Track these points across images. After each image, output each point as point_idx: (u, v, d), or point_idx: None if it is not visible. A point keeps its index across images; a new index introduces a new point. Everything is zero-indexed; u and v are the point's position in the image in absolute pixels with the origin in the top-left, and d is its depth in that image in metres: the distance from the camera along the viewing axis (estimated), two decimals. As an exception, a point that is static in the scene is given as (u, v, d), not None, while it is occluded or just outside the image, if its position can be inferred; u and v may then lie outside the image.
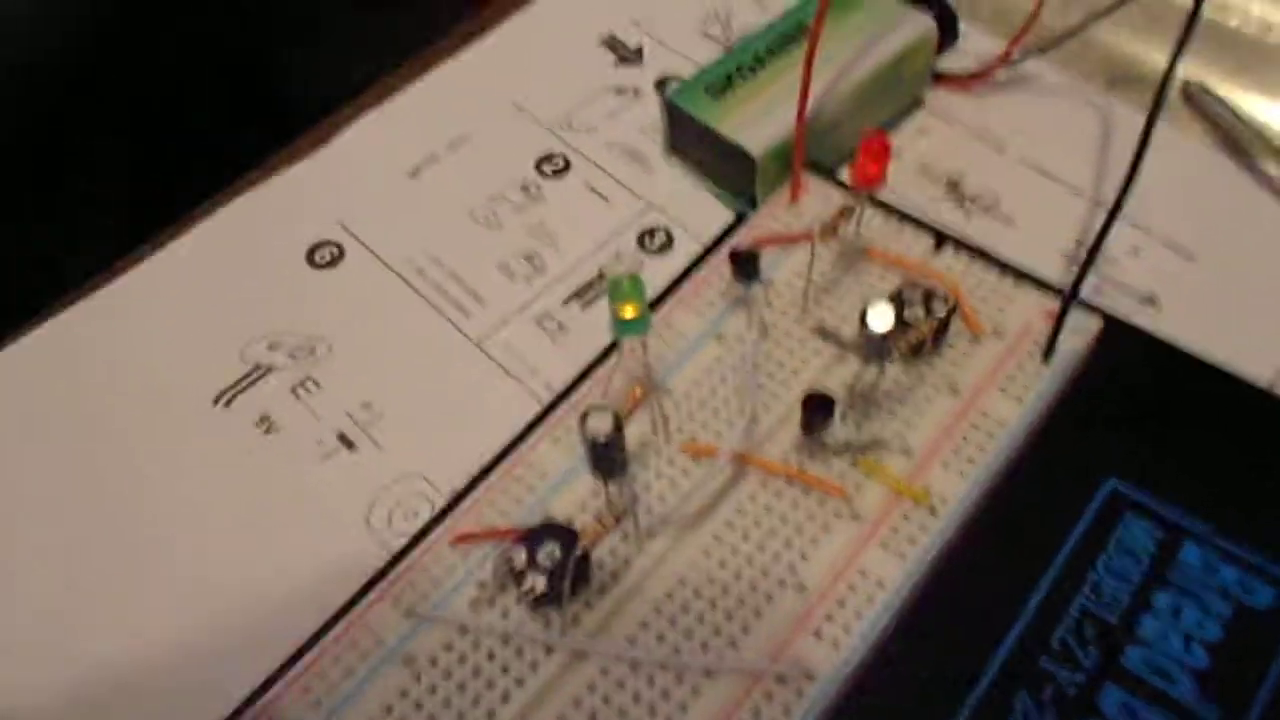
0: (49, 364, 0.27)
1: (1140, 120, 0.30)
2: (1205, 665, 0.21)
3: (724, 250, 0.26)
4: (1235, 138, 0.29)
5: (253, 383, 0.26)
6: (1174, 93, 0.31)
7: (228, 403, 0.26)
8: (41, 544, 0.24)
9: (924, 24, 0.29)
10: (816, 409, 0.21)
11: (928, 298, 0.24)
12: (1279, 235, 0.28)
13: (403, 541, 0.23)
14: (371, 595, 0.22)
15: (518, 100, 0.32)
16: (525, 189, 0.30)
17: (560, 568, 0.20)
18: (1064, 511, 0.22)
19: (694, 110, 0.28)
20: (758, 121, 0.27)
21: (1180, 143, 0.30)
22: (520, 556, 0.21)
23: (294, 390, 0.26)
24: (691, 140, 0.29)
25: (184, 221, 0.29)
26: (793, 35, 0.29)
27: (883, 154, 0.22)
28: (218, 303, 0.28)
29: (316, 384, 0.26)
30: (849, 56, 0.28)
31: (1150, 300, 0.27)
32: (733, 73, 0.28)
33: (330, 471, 0.25)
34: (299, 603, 0.23)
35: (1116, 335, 0.24)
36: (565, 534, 0.21)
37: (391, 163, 0.30)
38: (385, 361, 0.27)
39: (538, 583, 0.20)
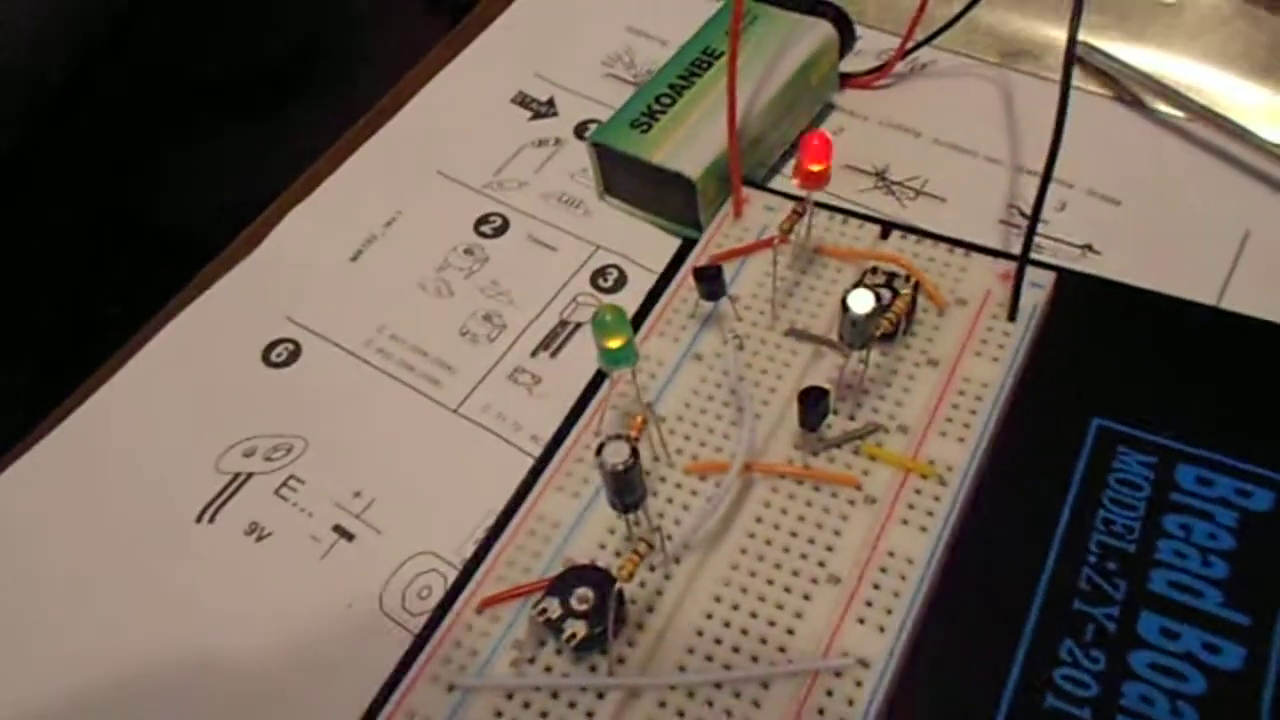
0: (23, 502, 0.26)
1: (1033, 85, 0.32)
2: (1226, 574, 0.21)
3: (683, 275, 0.27)
4: (1127, 87, 0.31)
5: (233, 493, 0.25)
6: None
7: (211, 518, 0.25)
8: (53, 677, 0.23)
9: (824, 30, 0.30)
10: (814, 402, 0.22)
11: (889, 280, 0.25)
12: (1186, 167, 0.29)
13: (422, 620, 0.23)
14: (408, 677, 0.21)
15: (443, 169, 0.32)
16: (469, 252, 0.30)
17: (599, 606, 0.20)
18: (1061, 457, 0.23)
19: (624, 147, 0.28)
20: (688, 146, 0.28)
21: (1081, 100, 0.31)
22: (554, 605, 0.20)
23: (277, 492, 0.25)
24: (626, 177, 0.29)
25: (130, 346, 0.29)
26: (699, 61, 0.30)
27: (824, 150, 0.23)
28: (181, 420, 0.27)
29: (300, 481, 0.26)
30: (760, 72, 0.29)
31: (1088, 248, 0.28)
32: (652, 105, 0.29)
33: (333, 566, 0.24)
34: (329, 704, 0.22)
35: (1070, 285, 0.25)
36: (594, 573, 0.21)
37: (330, 250, 0.30)
38: (366, 447, 0.26)
39: (578, 628, 0.20)
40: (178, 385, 0.28)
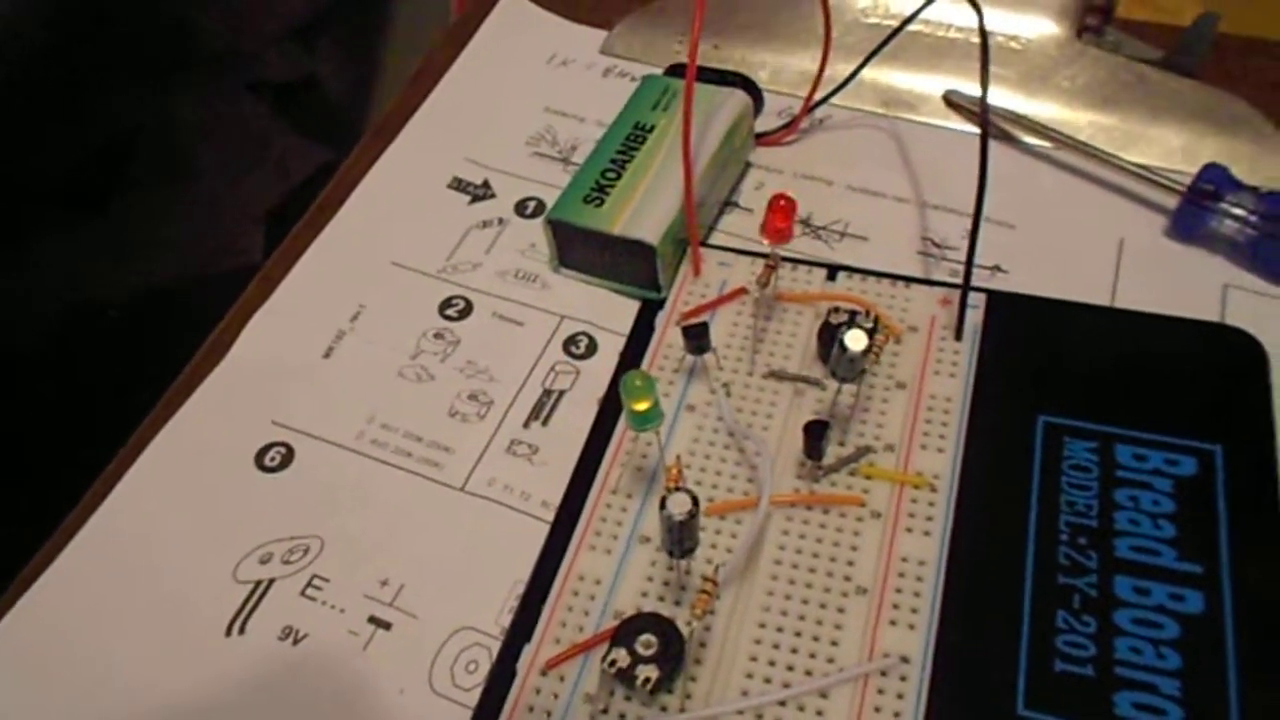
0: (37, 638, 0.25)
1: (916, 130, 0.36)
2: (1174, 534, 0.25)
3: (660, 333, 0.29)
4: (996, 125, 0.36)
5: (258, 601, 0.26)
6: (939, 103, 0.37)
7: (242, 629, 0.25)
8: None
9: (741, 99, 0.33)
10: (819, 433, 0.24)
11: (852, 318, 0.27)
12: (1060, 189, 0.34)
13: (476, 694, 0.24)
14: (490, 748, 0.22)
15: (396, 259, 0.33)
16: (440, 336, 0.31)
17: (664, 649, 0.22)
18: (1020, 453, 0.26)
19: (583, 221, 0.30)
20: (643, 215, 0.30)
21: (959, 140, 0.35)
22: (623, 655, 0.22)
23: (304, 594, 0.26)
24: (582, 249, 0.31)
25: (113, 470, 0.28)
26: (633, 136, 0.32)
27: (790, 210, 0.26)
28: (186, 537, 0.27)
29: (324, 580, 0.26)
30: (693, 141, 0.32)
31: (997, 268, 0.32)
32: (599, 180, 0.31)
33: (377, 656, 0.25)
34: (404, 790, 0.23)
35: (1000, 303, 0.29)
36: (651, 620, 0.23)
37: (301, 351, 0.31)
38: (383, 536, 0.27)
39: (650, 671, 0.22)
40: (173, 503, 0.27)
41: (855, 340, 0.23)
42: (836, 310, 0.28)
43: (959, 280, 0.30)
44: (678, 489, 0.21)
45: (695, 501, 0.21)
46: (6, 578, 0.26)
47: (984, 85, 0.28)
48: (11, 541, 0.28)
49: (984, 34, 0.29)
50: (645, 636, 0.22)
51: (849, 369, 0.24)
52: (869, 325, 0.27)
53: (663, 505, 0.21)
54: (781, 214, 0.26)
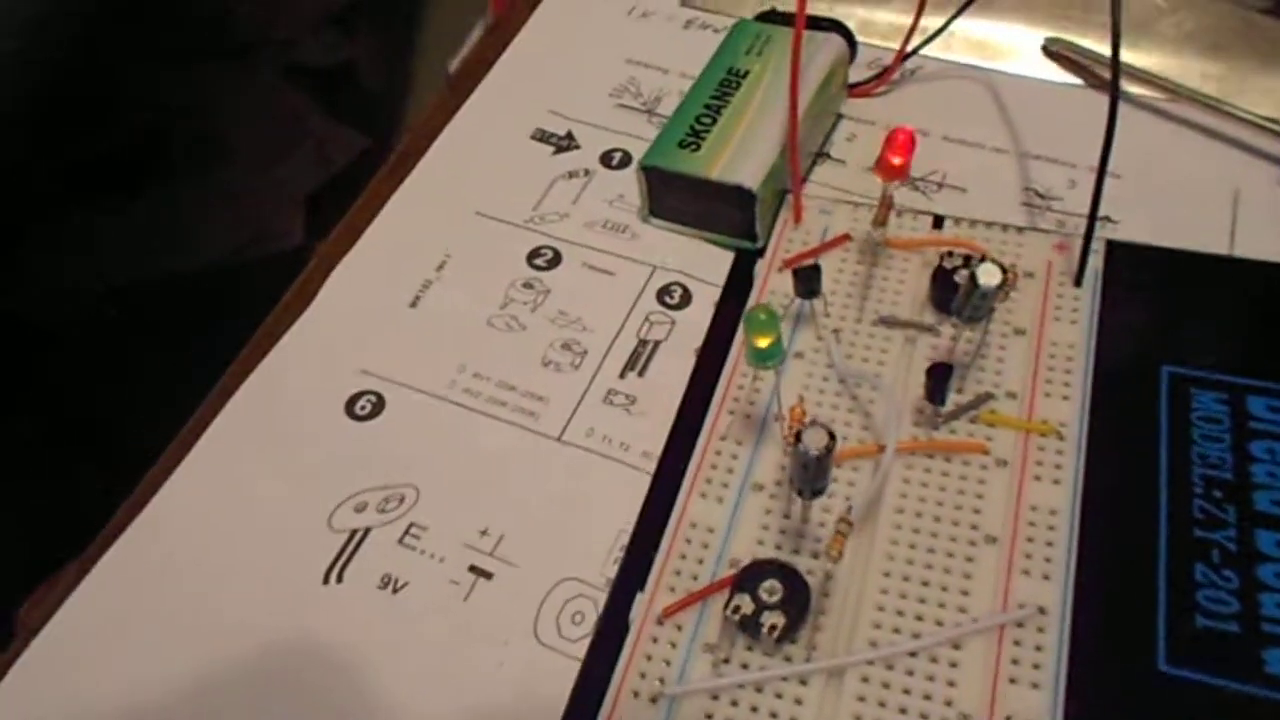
0: (128, 589, 0.24)
1: (1012, 82, 0.35)
2: (1317, 487, 0.24)
3: (761, 281, 0.28)
4: (1099, 75, 0.34)
5: (355, 549, 0.25)
6: (1038, 53, 0.35)
7: (339, 577, 0.24)
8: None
9: (837, 44, 0.32)
10: (942, 375, 0.23)
11: (966, 261, 0.26)
12: (1169, 137, 0.33)
13: (582, 646, 0.23)
14: (608, 699, 0.21)
15: (481, 209, 0.32)
16: (529, 286, 0.30)
17: (789, 596, 0.21)
18: (1145, 404, 0.25)
19: (679, 167, 0.29)
20: (743, 161, 0.29)
21: (1061, 92, 0.34)
22: (746, 601, 0.21)
23: (401, 542, 0.25)
24: (676, 197, 0.30)
25: (198, 419, 0.27)
26: (727, 81, 0.31)
27: (910, 145, 0.24)
28: (279, 485, 0.26)
29: (422, 529, 0.25)
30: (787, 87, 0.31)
31: (1106, 218, 0.30)
32: (694, 125, 0.30)
33: (478, 606, 0.24)
34: (514, 742, 0.22)
35: (1119, 252, 0.28)
36: (773, 566, 0.22)
37: (387, 299, 0.30)
38: (479, 485, 0.26)
39: (776, 619, 0.21)
40: (264, 451, 0.27)
41: (988, 275, 0.22)
42: (950, 255, 0.27)
43: (1068, 231, 0.29)
44: (814, 423, 0.20)
45: (832, 436, 0.20)
46: (98, 524, 0.26)
47: (1115, 29, 0.26)
48: (102, 489, 0.27)
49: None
50: (769, 582, 0.21)
51: (979, 306, 0.23)
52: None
53: (798, 439, 0.20)
54: (901, 148, 0.24)
